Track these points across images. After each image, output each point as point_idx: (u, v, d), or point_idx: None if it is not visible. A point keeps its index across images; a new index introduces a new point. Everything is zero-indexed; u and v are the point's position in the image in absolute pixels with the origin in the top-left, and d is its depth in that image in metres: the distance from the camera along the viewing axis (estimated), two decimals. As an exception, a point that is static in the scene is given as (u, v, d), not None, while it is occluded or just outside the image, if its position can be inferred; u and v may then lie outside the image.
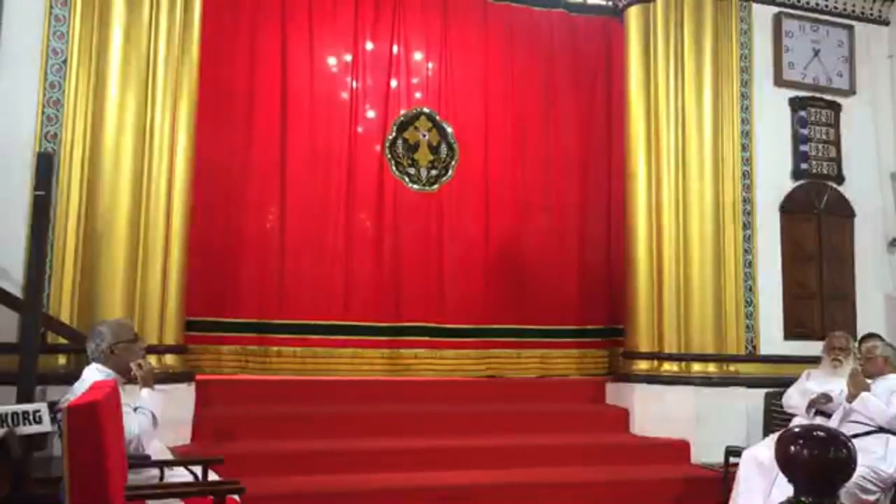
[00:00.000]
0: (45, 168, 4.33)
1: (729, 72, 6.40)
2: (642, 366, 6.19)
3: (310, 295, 6.56)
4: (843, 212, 6.66)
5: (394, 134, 6.92)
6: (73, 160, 4.96)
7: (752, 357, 6.16)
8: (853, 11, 6.91)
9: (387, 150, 6.88)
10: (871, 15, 6.97)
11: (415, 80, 7.07)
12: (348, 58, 6.89)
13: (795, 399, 5.26)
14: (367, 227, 6.80)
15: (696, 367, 6.01)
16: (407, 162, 6.92)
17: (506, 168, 7.14)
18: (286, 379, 6.24)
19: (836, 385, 5.00)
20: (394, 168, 6.88)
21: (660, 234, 6.19)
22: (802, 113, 6.63)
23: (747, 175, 6.35)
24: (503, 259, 7.05)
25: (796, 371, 5.53)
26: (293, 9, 6.73)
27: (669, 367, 6.06)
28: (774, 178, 6.47)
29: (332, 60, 6.88)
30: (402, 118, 6.96)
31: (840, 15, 6.87)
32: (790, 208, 6.49)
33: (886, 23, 7.01)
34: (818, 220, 6.56)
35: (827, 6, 6.84)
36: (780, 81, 6.60)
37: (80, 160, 4.97)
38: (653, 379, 6.06)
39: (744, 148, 6.37)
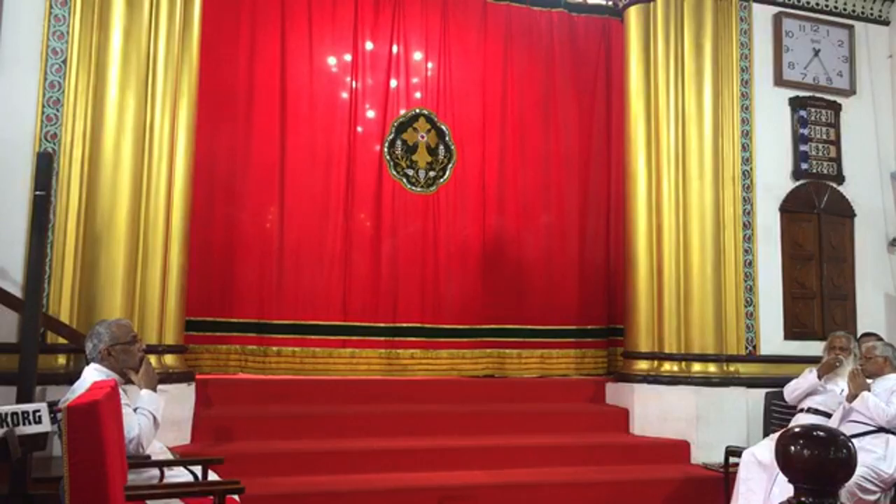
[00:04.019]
0: (45, 168, 4.33)
1: (729, 72, 6.40)
2: (642, 366, 6.19)
3: (308, 295, 6.56)
4: (843, 212, 6.66)
5: (393, 135, 6.92)
6: (72, 160, 4.96)
7: (752, 357, 6.16)
8: (853, 11, 6.92)
9: (386, 152, 6.88)
10: (871, 15, 6.98)
11: (414, 80, 7.06)
12: (348, 58, 6.88)
13: (795, 383, 5.32)
14: (365, 227, 6.79)
15: (697, 367, 6.01)
16: (406, 163, 6.91)
17: (504, 169, 7.13)
18: (285, 378, 6.24)
19: (837, 385, 5.06)
20: (392, 169, 6.88)
21: (660, 234, 6.19)
22: (802, 113, 6.63)
23: (747, 175, 6.35)
24: (501, 260, 7.04)
25: (796, 371, 5.52)
26: (293, 9, 6.72)
27: (669, 367, 6.06)
28: (774, 177, 6.47)
29: (331, 60, 6.87)
30: (401, 119, 6.95)
31: (840, 15, 6.88)
32: (790, 208, 6.49)
33: (886, 23, 7.02)
34: (818, 220, 6.57)
35: (827, 6, 6.84)
36: (780, 81, 6.60)
37: (80, 160, 4.97)
38: (653, 379, 6.06)
39: (744, 148, 6.37)
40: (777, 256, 6.39)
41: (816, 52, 6.73)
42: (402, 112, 6.96)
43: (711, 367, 6.00)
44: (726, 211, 6.20)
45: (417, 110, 7.01)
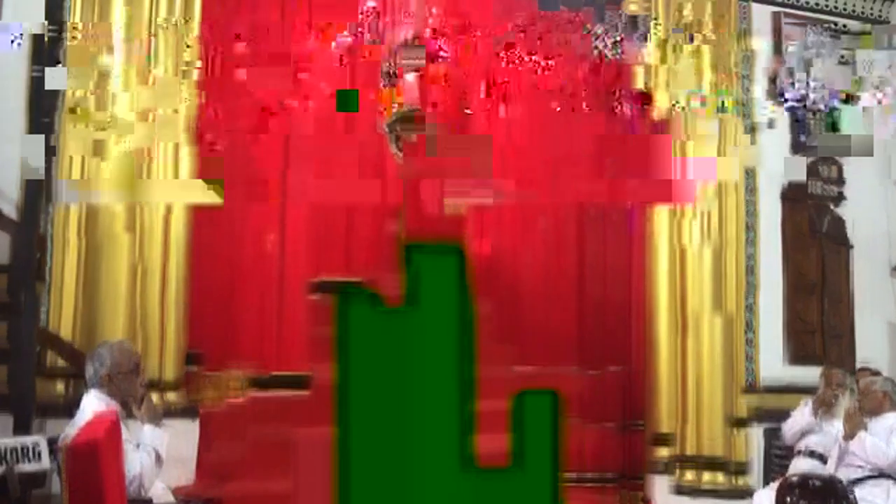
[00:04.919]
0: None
1: (729, 72, 6.32)
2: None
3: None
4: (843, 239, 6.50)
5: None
6: (72, 161, 4.90)
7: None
8: (853, 11, 6.83)
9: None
10: (871, 15, 6.90)
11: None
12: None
13: (792, 421, 5.19)
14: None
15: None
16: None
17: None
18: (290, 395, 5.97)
19: (833, 425, 4.84)
20: None
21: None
22: (802, 112, 6.55)
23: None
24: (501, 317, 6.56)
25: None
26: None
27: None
28: (776, 184, 6.39)
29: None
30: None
31: (840, 15, 6.79)
32: (791, 227, 6.37)
33: (886, 23, 6.93)
34: (819, 241, 6.41)
35: (827, 6, 6.77)
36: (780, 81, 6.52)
37: (80, 161, 4.91)
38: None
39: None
40: (779, 286, 6.21)
41: (816, 53, 6.67)
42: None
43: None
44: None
45: None
